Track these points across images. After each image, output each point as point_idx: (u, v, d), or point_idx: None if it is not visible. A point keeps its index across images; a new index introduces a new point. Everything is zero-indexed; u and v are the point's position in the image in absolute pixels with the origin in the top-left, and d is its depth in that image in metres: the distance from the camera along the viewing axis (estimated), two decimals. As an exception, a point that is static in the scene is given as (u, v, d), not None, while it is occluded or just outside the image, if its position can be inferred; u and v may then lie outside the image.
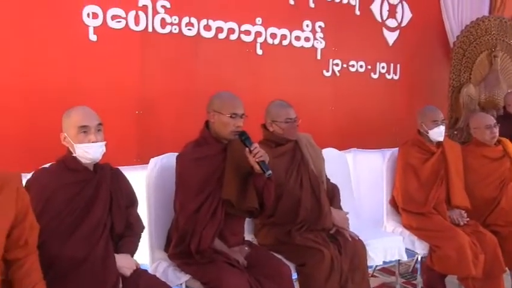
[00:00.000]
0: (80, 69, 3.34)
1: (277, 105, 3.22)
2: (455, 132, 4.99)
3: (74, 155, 2.38)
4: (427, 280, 3.78)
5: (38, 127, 3.13)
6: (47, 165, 2.49)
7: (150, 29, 3.59)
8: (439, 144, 3.82)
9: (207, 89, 3.79)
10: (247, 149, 2.65)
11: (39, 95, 3.17)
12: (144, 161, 3.48)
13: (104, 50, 3.41)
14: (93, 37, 3.35)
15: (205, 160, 2.72)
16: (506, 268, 3.60)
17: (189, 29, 3.76)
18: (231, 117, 2.70)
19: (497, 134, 3.91)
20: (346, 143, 4.54)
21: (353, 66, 4.77)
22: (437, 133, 3.74)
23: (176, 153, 3.02)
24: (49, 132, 3.10)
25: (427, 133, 3.76)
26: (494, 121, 3.91)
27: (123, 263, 2.37)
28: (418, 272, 3.75)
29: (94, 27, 3.35)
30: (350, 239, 3.13)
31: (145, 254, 2.92)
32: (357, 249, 3.11)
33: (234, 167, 2.71)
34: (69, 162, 2.40)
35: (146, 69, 3.62)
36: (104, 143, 2.42)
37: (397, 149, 3.96)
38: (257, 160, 2.62)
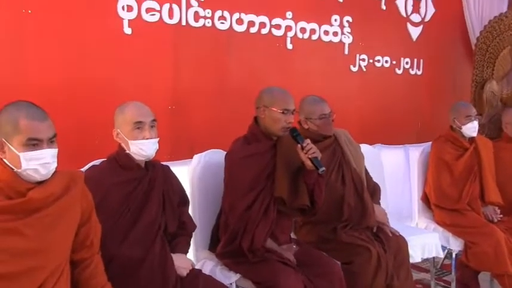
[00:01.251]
0: (115, 62, 3.26)
1: (311, 102, 3.10)
2: (478, 128, 4.93)
3: (127, 152, 2.29)
4: (461, 277, 3.73)
5: (79, 122, 3.06)
6: (97, 163, 2.40)
7: (183, 23, 3.51)
8: (471, 140, 3.77)
9: (239, 83, 3.79)
10: (299, 145, 2.56)
11: (77, 89, 3.10)
12: (177, 157, 3.41)
13: (139, 43, 3.34)
14: (127, 30, 3.27)
15: (255, 157, 2.62)
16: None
17: (221, 23, 3.68)
18: (282, 113, 2.61)
19: None
20: (371, 138, 4.47)
21: (378, 61, 4.72)
22: (471, 128, 3.69)
23: (217, 150, 2.97)
24: (89, 126, 3.07)
25: (460, 129, 3.70)
26: None
27: (179, 263, 2.30)
28: (453, 269, 3.70)
29: (129, 20, 3.27)
30: (391, 235, 3.07)
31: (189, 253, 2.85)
32: (400, 246, 3.05)
33: (284, 164, 2.63)
34: (122, 160, 2.31)
35: (179, 63, 3.55)
36: (158, 139, 2.33)
37: (428, 144, 3.91)
38: (310, 156, 2.52)
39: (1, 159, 1.73)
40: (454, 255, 3.66)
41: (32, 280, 1.70)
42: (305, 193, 2.62)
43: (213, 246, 2.80)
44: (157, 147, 2.34)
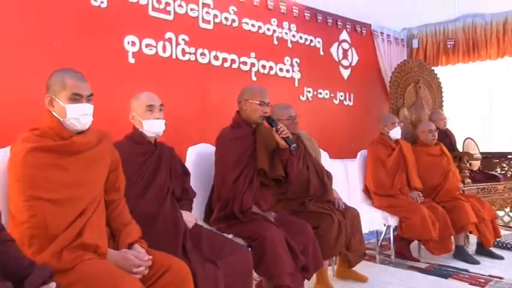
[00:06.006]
0: (120, 87, 3.22)
1: (280, 107, 3.13)
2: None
3: (140, 130, 2.24)
4: (398, 248, 3.75)
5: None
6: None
7: (174, 56, 3.53)
8: (396, 142, 3.87)
9: (216, 106, 3.78)
10: (274, 128, 2.54)
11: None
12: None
13: (140, 71, 3.32)
14: (131, 60, 3.26)
15: (240, 140, 2.60)
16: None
17: (202, 58, 3.72)
18: (260, 104, 2.61)
19: (436, 137, 4.03)
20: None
21: (320, 93, 4.84)
22: (396, 132, 3.81)
23: (206, 144, 2.93)
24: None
25: (388, 133, 3.81)
26: (435, 127, 4.03)
27: (186, 217, 2.20)
28: (391, 242, 3.70)
29: (132, 52, 3.26)
30: (343, 206, 3.06)
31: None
32: (354, 215, 3.05)
33: (263, 145, 2.60)
34: (136, 137, 2.25)
35: (170, 89, 3.52)
36: (165, 121, 2.29)
37: (363, 151, 3.99)
38: (283, 136, 2.52)
39: (51, 112, 1.71)
40: (391, 230, 3.68)
41: (75, 207, 1.63)
42: (280, 166, 2.60)
43: (207, 219, 2.71)
44: (164, 128, 2.29)
